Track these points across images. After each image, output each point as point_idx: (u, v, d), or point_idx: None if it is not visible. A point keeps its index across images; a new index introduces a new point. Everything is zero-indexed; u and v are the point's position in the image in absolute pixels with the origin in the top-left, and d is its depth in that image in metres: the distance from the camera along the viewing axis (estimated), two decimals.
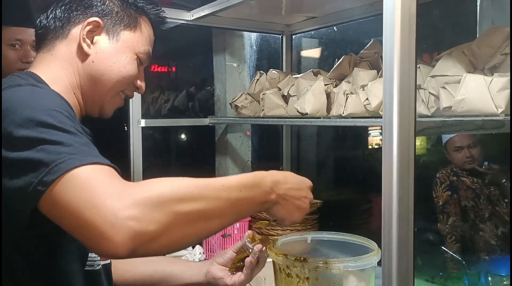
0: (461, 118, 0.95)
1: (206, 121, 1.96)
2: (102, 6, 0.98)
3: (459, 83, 1.11)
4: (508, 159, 1.82)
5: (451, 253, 2.14)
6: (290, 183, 0.93)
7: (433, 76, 1.25)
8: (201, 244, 1.80)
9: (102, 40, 0.98)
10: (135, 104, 1.71)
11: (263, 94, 1.76)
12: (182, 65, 2.95)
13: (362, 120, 1.29)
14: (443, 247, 2.20)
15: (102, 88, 1.00)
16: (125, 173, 1.68)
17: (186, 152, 2.69)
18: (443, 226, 2.29)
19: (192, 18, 1.83)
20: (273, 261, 1.13)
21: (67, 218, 0.68)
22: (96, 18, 0.96)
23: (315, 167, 2.27)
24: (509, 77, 0.96)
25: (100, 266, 0.98)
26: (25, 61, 1.66)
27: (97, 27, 0.96)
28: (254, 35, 2.15)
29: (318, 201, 1.88)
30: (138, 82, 1.05)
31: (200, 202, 0.72)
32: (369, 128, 2.00)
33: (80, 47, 0.96)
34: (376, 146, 2.10)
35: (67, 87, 0.96)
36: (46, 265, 0.85)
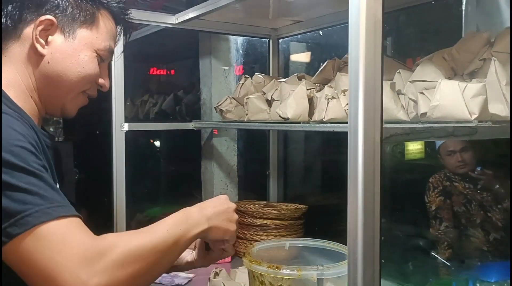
0: (430, 125, 0.93)
1: (190, 125, 1.94)
2: (55, 2, 0.92)
3: None
4: (499, 165, 1.81)
5: (441, 259, 2.13)
6: (211, 204, 0.99)
7: (412, 81, 1.24)
8: None
9: (57, 39, 0.92)
10: (118, 107, 1.69)
11: (247, 98, 1.75)
12: (170, 68, 2.94)
13: (341, 125, 1.28)
14: (433, 253, 2.18)
15: (61, 89, 0.95)
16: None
17: (172, 157, 2.68)
18: (435, 231, 2.28)
19: (176, 21, 1.82)
20: (247, 268, 1.11)
21: (30, 273, 0.70)
22: (49, 16, 0.91)
23: (302, 171, 2.26)
24: (483, 84, 0.95)
25: None
26: None
27: (50, 25, 0.91)
28: (240, 39, 2.15)
29: (304, 206, 1.87)
30: (101, 80, 1.01)
31: (151, 254, 0.80)
32: None
33: (34, 48, 0.91)
34: None
35: (23, 90, 0.92)
36: None
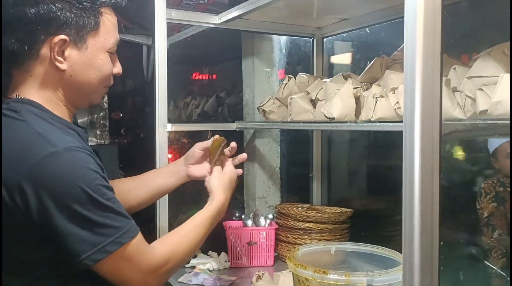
0: (494, 121, 0.86)
1: (233, 126, 1.92)
2: (62, 20, 0.97)
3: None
4: None
5: (495, 268, 2.00)
6: (222, 189, 1.27)
7: (469, 77, 1.16)
8: (226, 252, 1.76)
9: (72, 52, 1.00)
10: (161, 108, 1.70)
11: (290, 98, 1.71)
12: (213, 70, 2.94)
13: (391, 124, 1.21)
14: (486, 262, 2.06)
15: (86, 92, 1.06)
16: None
17: None
18: (488, 239, 2.15)
19: (220, 21, 1.81)
20: (292, 272, 1.07)
21: (114, 280, 0.97)
22: (62, 36, 0.97)
23: (347, 174, 2.18)
24: None
25: None
26: None
27: (64, 43, 0.98)
28: (283, 39, 2.11)
29: (349, 210, 1.80)
30: (114, 70, 1.09)
31: (191, 249, 1.12)
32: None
33: (54, 66, 0.99)
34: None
35: (57, 103, 1.03)
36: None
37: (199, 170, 1.39)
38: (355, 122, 1.38)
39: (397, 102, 1.30)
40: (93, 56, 1.02)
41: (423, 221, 0.70)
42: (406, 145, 0.70)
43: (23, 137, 0.92)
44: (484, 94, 1.08)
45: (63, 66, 0.99)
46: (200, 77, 3.03)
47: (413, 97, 0.70)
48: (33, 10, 0.94)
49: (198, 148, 1.39)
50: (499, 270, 1.96)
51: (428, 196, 0.70)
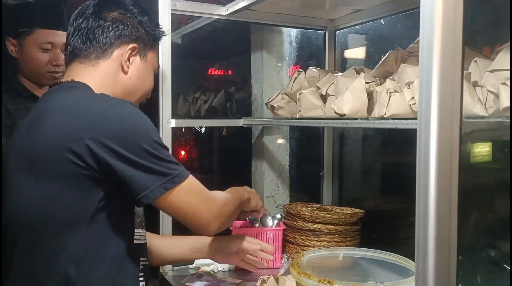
0: None
1: (240, 122, 1.85)
2: (137, 34, 1.17)
3: None
4: None
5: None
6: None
7: (492, 71, 1.06)
8: None
9: (136, 60, 1.19)
10: (165, 103, 1.63)
11: (299, 93, 1.62)
12: (223, 64, 2.87)
13: (404, 121, 1.13)
14: (505, 265, 1.96)
15: (133, 97, 1.20)
16: None
17: (222, 156, 2.61)
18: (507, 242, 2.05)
19: (227, 12, 1.73)
20: (296, 281, 1.00)
21: (182, 213, 1.05)
22: (135, 44, 1.17)
23: (359, 173, 2.09)
24: None
25: (145, 241, 1.20)
26: (55, 63, 1.65)
27: (134, 50, 1.17)
28: (294, 31, 2.02)
29: (360, 210, 1.72)
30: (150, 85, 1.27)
31: (237, 209, 1.27)
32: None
33: (121, 66, 1.16)
34: None
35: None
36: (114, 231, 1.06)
37: (229, 259, 1.50)
38: (367, 119, 1.30)
39: (413, 98, 1.21)
40: (148, 69, 1.22)
41: (439, 233, 0.62)
42: (421, 146, 0.62)
43: (81, 100, 1.03)
44: (508, 89, 0.99)
45: (127, 68, 1.16)
46: (209, 71, 2.96)
47: (429, 92, 0.62)
48: (121, 25, 1.15)
49: (240, 248, 1.46)
50: None
51: (445, 204, 0.62)
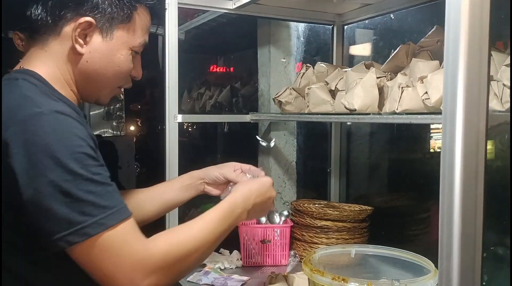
0: None
1: (247, 117, 1.83)
2: (95, 2, 0.93)
3: None
4: None
5: None
6: (255, 193, 1.10)
7: (508, 65, 1.04)
8: (239, 250, 1.68)
9: (95, 38, 0.95)
10: (172, 98, 1.61)
11: (308, 88, 1.60)
12: (228, 59, 2.85)
13: (419, 116, 1.10)
14: None
15: (97, 85, 1.00)
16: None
17: (228, 151, 2.59)
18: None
19: (234, 6, 1.71)
20: (308, 277, 0.98)
21: (90, 272, 0.82)
22: (88, 18, 0.92)
23: (367, 170, 2.07)
24: None
25: None
26: None
27: (89, 26, 0.93)
28: (301, 26, 2.00)
29: (369, 207, 1.69)
30: (133, 72, 1.04)
31: (197, 252, 0.92)
32: (430, 127, 1.79)
33: (73, 47, 0.94)
34: (438, 149, 1.87)
35: (64, 84, 0.96)
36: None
37: (219, 188, 1.31)
38: (379, 114, 1.28)
39: (426, 93, 1.19)
40: (116, 49, 0.98)
41: (464, 230, 0.60)
42: (446, 141, 0.60)
43: (13, 100, 0.84)
44: None
45: (81, 49, 0.94)
46: (215, 66, 2.94)
47: (455, 86, 0.59)
48: None
49: (223, 176, 1.29)
50: None
51: (471, 200, 0.59)
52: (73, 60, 0.96)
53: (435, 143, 1.87)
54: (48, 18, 0.93)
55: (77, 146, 0.81)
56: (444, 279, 0.61)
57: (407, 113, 1.18)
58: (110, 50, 0.97)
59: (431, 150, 1.86)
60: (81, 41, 0.94)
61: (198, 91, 2.63)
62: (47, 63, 0.95)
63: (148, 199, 1.28)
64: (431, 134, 1.84)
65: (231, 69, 2.89)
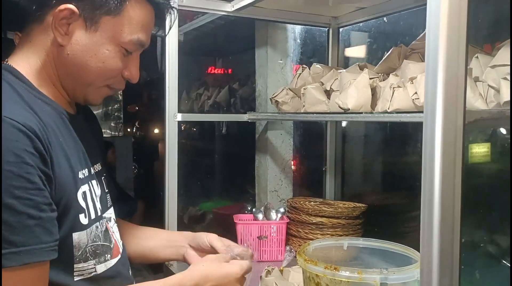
0: None
1: (245, 117, 1.88)
2: None
3: None
4: None
5: None
6: (212, 282, 0.95)
7: (493, 67, 1.09)
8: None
9: (78, 28, 0.87)
10: (172, 98, 1.66)
11: (304, 88, 1.66)
12: (226, 60, 2.90)
13: (408, 115, 1.16)
14: (504, 261, 1.99)
15: (80, 81, 0.91)
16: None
17: (226, 150, 2.64)
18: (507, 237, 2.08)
19: (233, 9, 1.76)
20: (302, 268, 1.03)
21: None
22: (70, 6, 0.84)
23: (361, 168, 2.13)
24: None
25: (94, 272, 0.92)
26: None
27: (71, 14, 0.85)
28: (298, 28, 2.05)
29: (363, 205, 1.75)
30: (126, 73, 0.95)
31: None
32: (416, 129, 1.85)
33: (55, 37, 0.86)
34: (421, 148, 1.92)
35: (46, 79, 0.90)
36: None
37: (196, 259, 1.16)
38: (371, 113, 1.33)
39: (415, 93, 1.24)
40: (100, 43, 0.88)
41: (443, 216, 0.65)
42: (427, 136, 0.65)
43: None
44: (508, 83, 1.02)
45: (62, 40, 0.86)
46: (213, 67, 2.99)
47: (435, 85, 0.65)
48: None
49: (210, 243, 1.16)
50: None
51: (450, 189, 0.65)
52: (55, 51, 0.88)
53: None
54: (33, 4, 0.87)
55: (4, 162, 0.70)
56: (425, 262, 0.66)
57: (397, 112, 1.23)
58: (93, 43, 0.87)
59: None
60: (61, 30, 0.86)
61: (196, 92, 2.68)
62: (29, 54, 0.88)
63: (131, 235, 1.19)
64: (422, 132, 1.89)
65: (229, 70, 2.94)
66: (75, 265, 0.88)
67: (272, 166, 2.01)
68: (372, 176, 2.10)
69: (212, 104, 2.52)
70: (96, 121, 1.21)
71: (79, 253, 0.88)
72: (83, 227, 0.89)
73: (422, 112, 1.16)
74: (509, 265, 1.96)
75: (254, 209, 1.82)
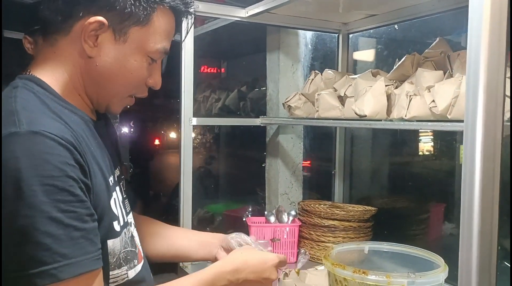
0: None
1: (257, 121, 1.91)
2: (110, 0, 0.84)
3: None
4: None
5: None
6: (250, 267, 1.00)
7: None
8: None
9: (107, 40, 0.86)
10: (187, 102, 1.68)
11: (318, 94, 1.69)
12: (234, 64, 2.92)
13: (429, 123, 1.19)
14: (505, 262, 2.04)
15: (107, 91, 0.92)
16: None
17: (236, 153, 2.66)
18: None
19: (246, 15, 1.79)
20: (328, 271, 1.06)
21: None
22: (100, 18, 0.84)
23: (370, 172, 2.17)
24: None
25: (126, 278, 0.94)
26: None
27: (101, 26, 0.84)
28: (309, 34, 2.08)
29: (373, 208, 1.78)
30: (150, 81, 0.96)
31: None
32: (420, 133, 1.89)
33: (83, 48, 0.86)
34: (428, 152, 1.96)
35: (71, 89, 0.90)
36: None
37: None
38: (390, 120, 1.36)
39: (433, 101, 1.28)
40: (129, 54, 0.88)
41: (483, 225, 0.68)
42: (467, 146, 0.69)
43: (4, 114, 0.77)
44: None
45: (91, 52, 0.86)
46: (219, 69, 3.01)
47: (476, 96, 0.68)
48: None
49: (242, 243, 1.18)
50: None
51: (489, 199, 0.68)
52: (82, 63, 0.88)
53: (435, 146, 1.97)
54: (58, 15, 0.86)
55: (48, 177, 0.71)
56: (464, 270, 0.70)
57: (417, 120, 1.26)
58: (122, 54, 0.88)
59: (428, 154, 1.96)
60: (90, 42, 0.86)
61: (203, 94, 2.70)
62: (54, 66, 0.88)
63: (162, 236, 1.20)
64: (431, 139, 1.94)
65: (238, 73, 2.97)
66: (110, 272, 0.89)
67: (283, 169, 2.03)
68: (379, 179, 2.14)
69: (222, 107, 2.54)
70: (112, 125, 1.22)
71: (114, 260, 0.90)
72: (116, 234, 0.91)
73: (444, 121, 1.20)
74: (509, 265, 2.00)
75: (266, 212, 1.85)
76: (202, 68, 3.03)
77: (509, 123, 0.74)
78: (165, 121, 3.14)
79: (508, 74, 1.15)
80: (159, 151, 3.39)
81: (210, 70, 3.08)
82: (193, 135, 1.73)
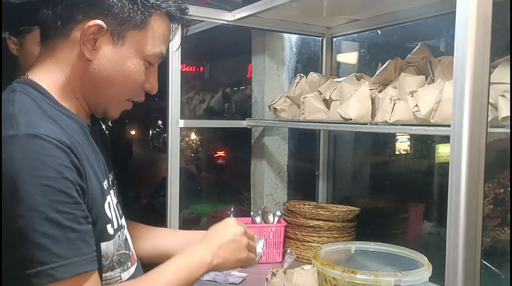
0: None
1: (244, 123, 1.93)
2: (108, 4, 0.86)
3: None
4: None
5: (492, 267, 2.05)
6: (224, 241, 0.99)
7: (491, 84, 1.18)
8: None
9: (105, 43, 0.88)
10: (174, 104, 1.69)
11: (303, 97, 1.72)
12: (218, 65, 2.93)
13: (414, 128, 1.23)
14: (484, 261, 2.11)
15: (104, 95, 0.93)
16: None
17: (222, 154, 2.67)
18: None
19: (233, 18, 1.81)
20: (318, 271, 1.09)
21: None
22: (99, 22, 0.86)
23: (352, 173, 2.22)
24: None
25: (119, 280, 0.94)
26: None
27: (99, 30, 0.86)
28: (294, 37, 2.12)
29: (357, 208, 1.83)
30: (147, 85, 0.98)
31: None
32: (397, 135, 1.94)
33: (82, 52, 0.88)
34: (404, 152, 2.02)
35: (68, 92, 0.91)
36: None
37: None
38: (376, 124, 1.40)
39: (416, 105, 1.32)
40: (127, 57, 0.90)
41: (468, 226, 0.72)
42: (454, 150, 0.72)
43: (2, 117, 0.78)
44: (506, 100, 1.11)
45: (90, 55, 0.88)
46: (199, 69, 3.01)
47: (462, 102, 0.72)
48: None
49: None
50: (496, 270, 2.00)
51: (473, 202, 0.72)
52: (81, 66, 0.89)
53: (414, 147, 2.03)
54: (57, 20, 0.87)
55: (45, 178, 0.73)
56: (451, 269, 0.74)
57: (402, 124, 1.30)
58: (120, 57, 0.89)
59: (410, 154, 2.03)
60: (89, 46, 0.87)
61: (187, 95, 2.70)
62: (53, 70, 0.89)
63: (148, 237, 1.21)
64: (408, 138, 2.00)
65: (222, 74, 2.98)
66: (103, 274, 0.90)
67: (268, 171, 2.06)
68: (362, 179, 2.19)
69: (206, 108, 2.55)
70: (103, 129, 1.23)
71: (107, 262, 0.91)
72: (109, 237, 0.91)
73: (427, 125, 1.24)
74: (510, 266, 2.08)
75: (251, 213, 1.87)
76: (181, 67, 3.03)
77: (494, 130, 0.78)
78: (145, 120, 3.13)
79: (493, 81, 1.21)
80: (138, 150, 3.38)
81: (189, 69, 3.09)
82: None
